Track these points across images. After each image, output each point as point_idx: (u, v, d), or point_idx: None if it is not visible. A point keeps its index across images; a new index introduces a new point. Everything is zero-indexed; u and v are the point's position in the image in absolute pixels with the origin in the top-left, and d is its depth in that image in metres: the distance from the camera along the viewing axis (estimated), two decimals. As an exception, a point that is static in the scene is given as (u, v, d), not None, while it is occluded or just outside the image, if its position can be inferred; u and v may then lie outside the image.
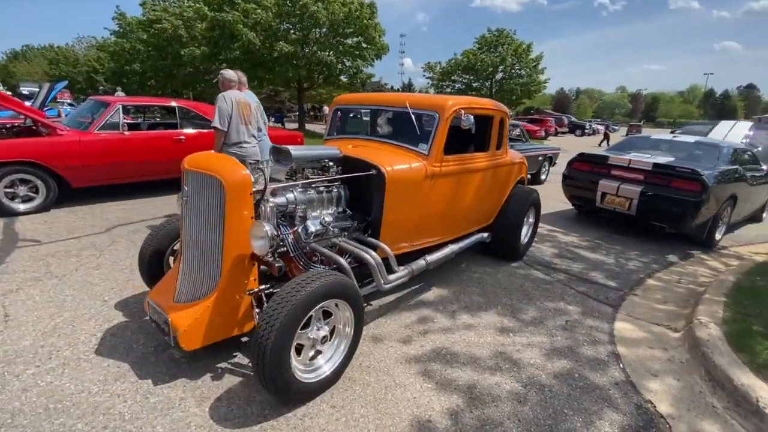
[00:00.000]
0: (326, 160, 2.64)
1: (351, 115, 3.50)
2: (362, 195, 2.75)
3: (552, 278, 3.76)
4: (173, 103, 5.99)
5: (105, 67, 24.41)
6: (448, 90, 22.34)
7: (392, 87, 63.10)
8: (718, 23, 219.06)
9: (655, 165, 4.98)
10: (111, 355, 2.23)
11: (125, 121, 5.39)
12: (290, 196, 2.41)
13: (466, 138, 3.32)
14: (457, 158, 3.00)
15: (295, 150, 2.42)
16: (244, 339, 2.36)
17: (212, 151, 3.88)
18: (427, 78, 23.04)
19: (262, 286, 2.15)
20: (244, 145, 4.06)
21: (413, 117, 2.87)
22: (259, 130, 4.38)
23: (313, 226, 2.45)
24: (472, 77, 20.97)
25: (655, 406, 2.11)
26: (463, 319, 2.88)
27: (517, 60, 20.09)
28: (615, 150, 6.15)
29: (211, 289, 2.05)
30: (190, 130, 5.90)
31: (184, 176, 2.10)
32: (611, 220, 5.85)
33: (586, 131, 27.70)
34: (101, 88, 18.49)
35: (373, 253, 2.46)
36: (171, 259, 2.71)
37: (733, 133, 7.32)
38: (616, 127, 45.49)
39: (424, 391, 2.11)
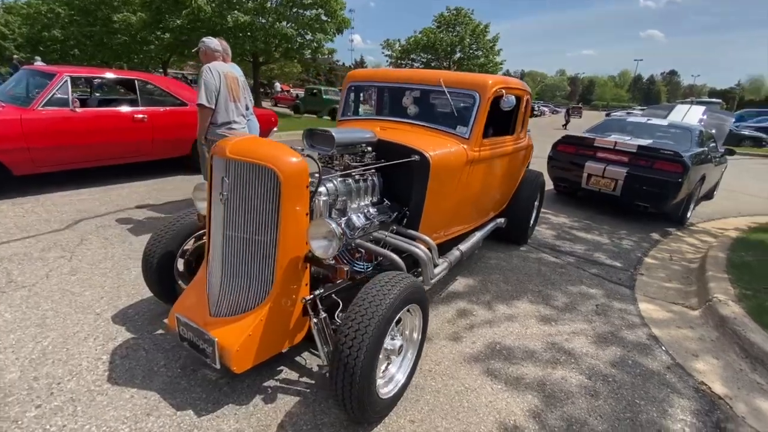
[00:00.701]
0: (363, 145, 2.36)
1: (368, 93, 3.19)
2: (397, 183, 2.50)
3: (563, 261, 3.80)
4: (132, 77, 5.20)
5: (15, 32, 21.03)
6: (408, 68, 22.04)
7: (343, 64, 61.36)
8: (644, 12, 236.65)
9: (640, 147, 5.18)
10: (130, 382, 1.85)
11: (75, 96, 4.58)
12: (331, 186, 2.12)
13: (496, 119, 3.16)
14: (491, 142, 2.84)
15: (337, 133, 2.11)
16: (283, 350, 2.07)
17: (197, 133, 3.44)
18: (386, 56, 22.53)
19: (317, 292, 1.88)
20: (234, 126, 3.59)
21: (449, 97, 2.64)
22: (246, 108, 3.91)
23: (357, 220, 2.19)
24: (431, 56, 20.78)
25: (710, 388, 2.16)
26: (501, 310, 2.79)
27: (475, 40, 20.19)
28: (594, 132, 6.35)
29: (261, 299, 1.74)
30: (152, 108, 5.18)
31: (221, 166, 1.73)
32: (592, 200, 6.06)
33: (535, 113, 28.90)
34: (15, 57, 15.87)
35: (423, 248, 2.26)
36: (180, 261, 2.32)
37: (689, 116, 7.87)
38: (559, 109, 47.99)
39: (497, 393, 1.98)
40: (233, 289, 1.77)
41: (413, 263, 2.35)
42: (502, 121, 3.25)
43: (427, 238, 2.42)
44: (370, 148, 2.36)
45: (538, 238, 4.37)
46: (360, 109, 3.23)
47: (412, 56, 21.50)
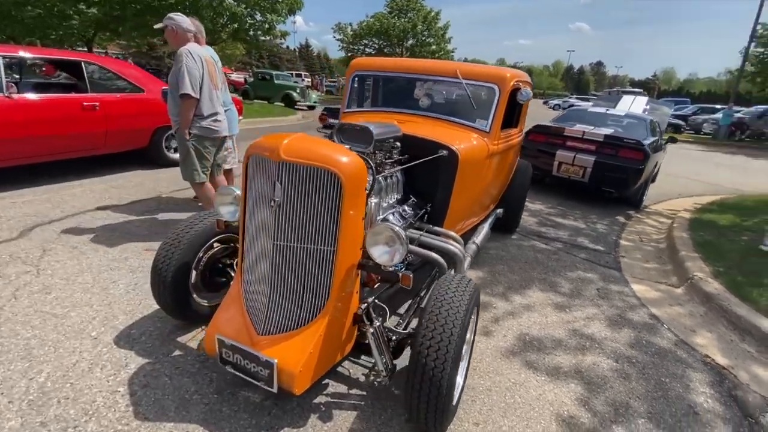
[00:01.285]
0: (391, 140, 2.24)
1: (373, 83, 3.03)
2: (420, 178, 2.43)
3: (553, 248, 3.97)
4: (79, 58, 4.52)
5: None
6: (360, 54, 21.55)
7: (287, 47, 58.88)
8: (574, 5, 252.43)
9: (606, 136, 5.53)
10: (163, 416, 1.63)
11: (8, 80, 3.90)
12: (376, 186, 1.99)
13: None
14: (505, 135, 2.84)
15: (375, 128, 1.98)
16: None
17: (173, 127, 3.13)
18: (338, 40, 21.79)
19: (370, 299, 1.77)
20: (219, 118, 3.28)
21: (467, 89, 2.59)
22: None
23: (395, 220, 2.09)
24: (384, 42, 20.51)
25: (714, 360, 2.38)
26: (517, 300, 2.85)
27: (426, 27, 20.24)
28: (560, 122, 6.67)
29: (317, 312, 1.60)
30: (104, 95, 4.57)
31: (271, 169, 1.53)
32: (561, 187, 6.40)
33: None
34: None
35: (458, 245, 2.22)
36: (193, 273, 2.07)
37: (634, 106, 8.55)
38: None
39: (542, 385, 2.03)
40: (284, 304, 1.61)
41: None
42: (507, 113, 3.27)
43: (455, 235, 2.38)
44: (398, 144, 2.25)
45: (523, 225, 4.53)
46: (370, 100, 3.07)
47: (364, 41, 21.10)
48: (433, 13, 20.09)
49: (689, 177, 8.75)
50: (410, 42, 20.45)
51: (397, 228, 1.57)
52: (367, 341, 1.65)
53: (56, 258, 2.80)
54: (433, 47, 20.81)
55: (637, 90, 31.24)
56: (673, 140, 7.68)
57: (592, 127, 6.01)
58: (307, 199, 1.52)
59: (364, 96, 2.99)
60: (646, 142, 5.48)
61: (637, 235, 4.70)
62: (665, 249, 4.22)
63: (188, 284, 2.03)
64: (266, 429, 1.62)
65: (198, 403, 1.71)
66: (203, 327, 2.20)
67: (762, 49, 16.73)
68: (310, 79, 26.57)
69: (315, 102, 17.25)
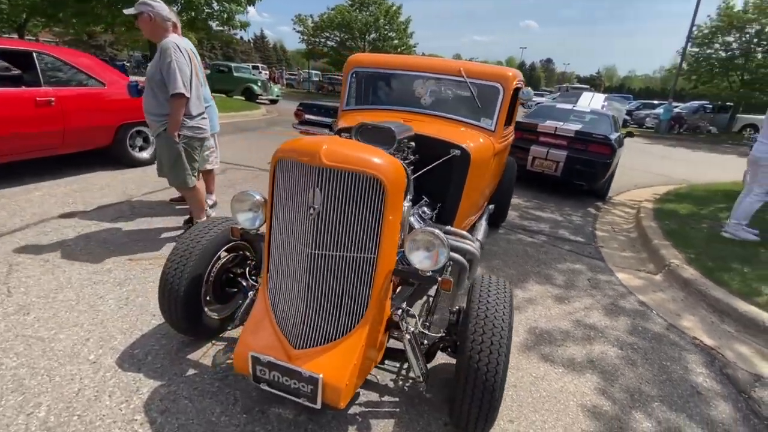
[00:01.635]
0: (406, 140, 2.20)
1: (372, 80, 2.95)
2: (431, 178, 2.41)
3: (539, 240, 4.12)
4: (30, 48, 4.04)
5: None
6: (321, 47, 21.08)
7: (241, 38, 56.60)
8: (523, 3, 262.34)
9: (576, 132, 5.81)
10: (192, 442, 1.51)
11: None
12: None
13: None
14: (506, 133, 2.89)
15: (396, 128, 1.93)
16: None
17: (155, 129, 2.89)
18: (298, 32, 21.15)
19: (403, 305, 1.74)
20: (206, 117, 3.09)
21: (472, 88, 2.60)
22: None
23: (416, 222, 2.06)
24: (347, 35, 20.17)
25: (702, 341, 2.59)
26: (519, 295, 2.93)
27: (388, 21, 20.17)
28: (532, 118, 6.91)
29: (356, 322, 1.55)
30: (61, 89, 4.13)
31: (311, 175, 1.44)
32: (533, 181, 6.63)
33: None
34: None
35: (474, 245, 2.24)
36: (203, 286, 1.93)
37: (593, 102, 9.05)
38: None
39: (562, 377, 2.10)
40: (322, 315, 1.54)
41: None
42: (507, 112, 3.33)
43: (468, 234, 2.39)
44: (413, 144, 2.22)
45: (507, 219, 4.66)
46: (369, 98, 2.98)
47: (325, 34, 20.65)
48: (394, 8, 20.06)
49: (641, 169, 9.39)
50: (372, 36, 20.32)
51: (439, 232, 1.54)
52: (397, 347, 1.62)
53: (27, 274, 2.51)
54: (396, 41, 20.82)
55: (584, 86, 33.10)
56: (630, 135, 8.19)
57: (562, 123, 6.29)
58: (348, 205, 1.45)
59: (363, 93, 2.91)
60: (612, 137, 5.81)
61: (609, 225, 4.99)
62: (637, 238, 4.51)
63: (200, 298, 1.89)
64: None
65: (227, 425, 1.60)
66: (214, 342, 2.07)
67: (697, 49, 18.29)
68: (267, 72, 25.69)
69: (278, 96, 16.71)
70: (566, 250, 3.96)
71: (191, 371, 1.86)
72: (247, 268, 2.06)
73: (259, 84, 15.89)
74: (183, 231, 3.25)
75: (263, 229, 1.74)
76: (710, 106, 20.22)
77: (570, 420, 1.82)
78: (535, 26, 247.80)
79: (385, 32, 20.38)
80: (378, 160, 1.46)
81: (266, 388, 1.53)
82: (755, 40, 16.35)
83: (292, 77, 30.30)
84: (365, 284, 1.53)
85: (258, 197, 1.77)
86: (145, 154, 5.15)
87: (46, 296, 2.30)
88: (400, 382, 1.93)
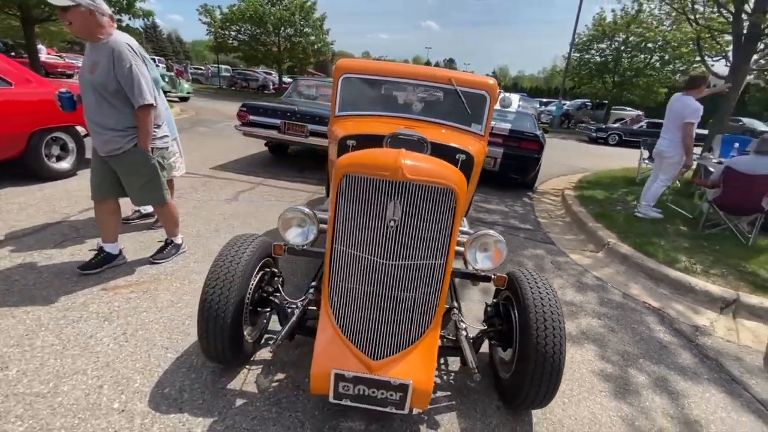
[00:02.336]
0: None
1: (362, 86, 2.94)
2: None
3: (498, 231, 4.54)
4: None
5: None
6: (231, 42, 19.61)
7: (127, 25, 50.08)
8: (423, 4, 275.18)
9: (510, 130, 6.44)
10: (278, 473, 1.45)
11: None
12: None
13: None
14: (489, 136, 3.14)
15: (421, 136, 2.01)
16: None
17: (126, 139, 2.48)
18: (204, 23, 19.35)
19: (455, 304, 1.85)
20: (166, 122, 2.83)
21: (462, 96, 2.79)
22: None
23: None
24: (260, 30, 19.07)
25: (651, 304, 3.16)
26: (505, 282, 3.24)
27: (304, 17, 19.62)
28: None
29: (427, 325, 1.62)
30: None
31: (389, 189, 1.46)
32: (473, 176, 7.17)
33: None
34: None
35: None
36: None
37: (515, 102, 10.06)
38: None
39: (568, 350, 2.41)
40: (397, 323, 1.58)
41: None
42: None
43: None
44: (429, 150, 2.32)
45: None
46: (360, 103, 2.98)
47: (235, 27, 19.32)
48: (309, 3, 19.59)
49: (549, 160, 10.68)
50: (288, 31, 19.61)
51: (498, 234, 1.69)
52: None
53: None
54: (312, 38, 20.40)
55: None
56: (545, 131, 9.29)
57: (495, 123, 6.91)
58: (424, 216, 1.52)
59: (354, 99, 2.91)
60: (539, 133, 6.58)
61: (546, 213, 5.66)
62: (572, 222, 5.22)
63: (242, 322, 1.78)
64: (390, 452, 1.59)
65: (306, 449, 1.56)
66: (248, 367, 1.95)
67: (578, 54, 21.26)
68: (164, 65, 23.18)
69: (189, 93, 15.30)
70: (522, 237, 4.42)
71: (239, 401, 1.75)
72: (278, 285, 1.98)
73: (167, 80, 14.34)
74: (158, 252, 2.92)
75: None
76: (590, 103, 23.66)
77: (589, 384, 2.12)
78: (435, 27, 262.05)
79: (301, 28, 19.84)
80: (449, 172, 1.55)
81: (348, 403, 1.53)
82: (623, 47, 19.61)
83: (199, 72, 27.81)
84: (436, 289, 1.61)
85: (308, 212, 1.73)
86: (64, 165, 4.42)
87: (19, 344, 1.92)
88: (445, 377, 2.05)
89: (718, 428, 1.96)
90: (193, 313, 2.31)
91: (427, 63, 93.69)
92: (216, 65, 27.56)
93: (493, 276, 1.81)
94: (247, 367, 1.95)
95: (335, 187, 1.56)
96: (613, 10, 19.49)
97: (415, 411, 1.79)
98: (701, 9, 6.41)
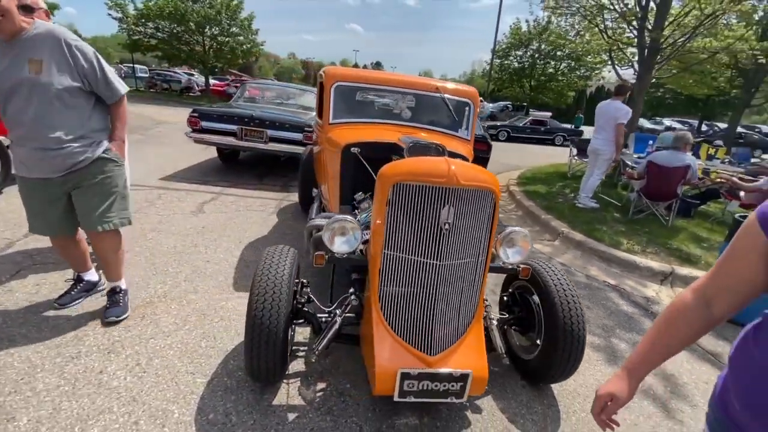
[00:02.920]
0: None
1: (353, 94, 2.96)
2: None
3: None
4: None
5: None
6: (148, 41, 17.81)
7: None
8: (346, 6, 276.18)
9: (461, 132, 6.87)
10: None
11: None
12: None
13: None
14: (467, 141, 3.37)
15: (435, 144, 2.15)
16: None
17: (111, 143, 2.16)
18: (115, 19, 17.31)
19: (485, 297, 2.02)
20: None
21: (449, 104, 2.98)
22: None
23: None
24: (182, 28, 17.60)
25: (609, 282, 3.64)
26: (490, 274, 3.51)
27: (230, 16, 18.59)
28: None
29: (472, 317, 1.77)
30: None
31: (442, 195, 1.56)
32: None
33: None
34: None
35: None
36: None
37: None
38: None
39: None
40: (448, 319, 1.70)
41: None
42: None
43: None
44: (434, 156, 2.46)
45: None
46: (353, 111, 3.01)
47: (152, 24, 17.67)
48: (235, 2, 18.63)
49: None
50: (213, 31, 18.46)
51: (523, 229, 1.89)
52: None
53: (-53, 371, 1.75)
54: (241, 38, 19.45)
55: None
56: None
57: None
58: (471, 217, 1.65)
59: (346, 107, 2.94)
60: (486, 135, 7.10)
61: (500, 208, 6.14)
62: (524, 215, 5.73)
63: (288, 337, 1.76)
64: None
65: (373, 450, 1.61)
66: (285, 381, 1.93)
67: (498, 60, 23.04)
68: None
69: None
70: (489, 232, 4.78)
71: (291, 416, 1.73)
72: (309, 295, 1.98)
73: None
74: (113, 306, 2.27)
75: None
76: (511, 105, 25.75)
77: (587, 357, 2.41)
78: (359, 29, 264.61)
79: (228, 28, 18.81)
80: (488, 176, 1.70)
81: (411, 399, 1.61)
82: (536, 55, 21.68)
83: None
84: (478, 283, 1.76)
85: (354, 221, 1.77)
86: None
87: (17, 391, 1.69)
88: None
89: (689, 377, 2.38)
90: (207, 334, 2.21)
91: (354, 66, 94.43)
92: (131, 65, 25.02)
93: (518, 268, 2.01)
94: (285, 381, 1.92)
95: (383, 196, 1.63)
96: (527, 21, 21.51)
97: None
98: (611, 25, 7.41)
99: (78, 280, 2.42)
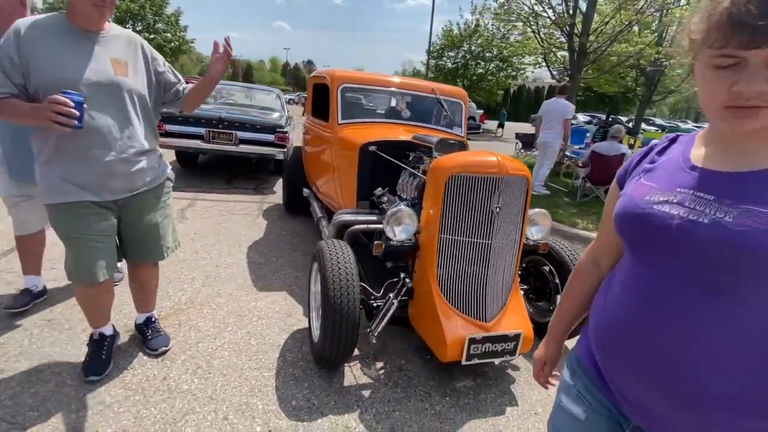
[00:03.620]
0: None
1: (357, 96, 3.08)
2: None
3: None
4: None
5: None
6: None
7: None
8: (272, 3, 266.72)
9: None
10: (443, 432, 1.69)
11: None
12: None
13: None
14: (456, 137, 3.68)
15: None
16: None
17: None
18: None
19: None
20: None
21: (444, 104, 3.26)
22: None
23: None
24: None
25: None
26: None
27: (156, 12, 17.16)
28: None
29: (512, 285, 2.06)
30: None
31: (492, 183, 1.83)
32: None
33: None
34: None
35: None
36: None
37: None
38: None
39: (554, 297, 3.13)
40: (496, 288, 1.97)
41: None
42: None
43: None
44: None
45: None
46: (357, 112, 3.15)
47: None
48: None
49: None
50: (137, 27, 16.90)
51: (543, 210, 2.22)
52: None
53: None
54: (168, 35, 18.08)
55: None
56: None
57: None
58: (513, 201, 1.94)
59: (351, 108, 3.07)
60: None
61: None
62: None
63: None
64: (505, 393, 1.98)
65: (448, 409, 1.83)
66: (346, 364, 2.07)
67: (434, 61, 24.08)
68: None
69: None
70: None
71: (366, 392, 1.89)
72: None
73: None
74: (155, 336, 2.05)
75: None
76: (447, 103, 27.03)
77: (581, 317, 2.86)
78: (287, 27, 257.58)
79: (153, 23, 17.37)
80: (522, 165, 2.00)
81: (476, 362, 1.86)
82: (468, 56, 23.01)
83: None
84: (515, 257, 2.05)
85: (411, 211, 1.96)
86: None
87: (87, 406, 1.64)
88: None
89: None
90: (252, 332, 2.26)
91: (285, 65, 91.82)
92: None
93: (539, 243, 2.34)
94: (347, 365, 2.06)
95: (440, 186, 1.85)
96: (458, 23, 22.74)
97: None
98: (545, 30, 8.29)
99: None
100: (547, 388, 1.06)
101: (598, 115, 26.18)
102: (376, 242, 1.98)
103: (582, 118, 24.49)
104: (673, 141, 0.79)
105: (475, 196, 1.86)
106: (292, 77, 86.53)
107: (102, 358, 1.83)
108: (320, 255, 1.93)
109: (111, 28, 1.68)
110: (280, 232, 3.98)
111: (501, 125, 20.96)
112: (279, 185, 5.78)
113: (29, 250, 2.28)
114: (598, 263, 0.91)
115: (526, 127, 14.99)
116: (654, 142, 0.83)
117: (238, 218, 4.23)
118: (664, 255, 0.66)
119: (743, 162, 0.62)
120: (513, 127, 18.86)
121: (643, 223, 0.68)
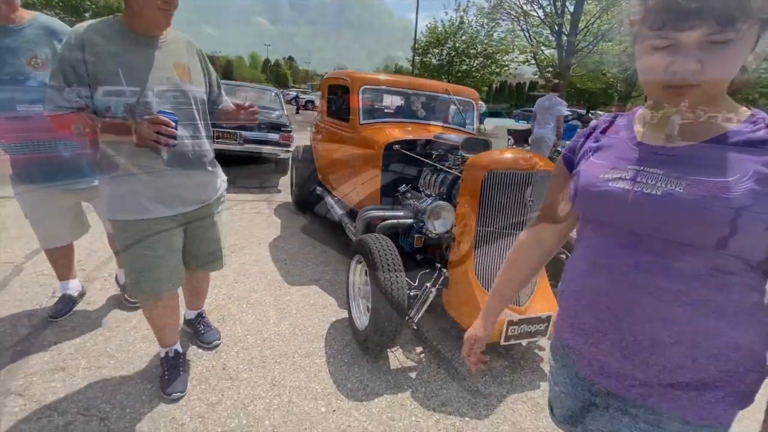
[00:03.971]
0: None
1: (376, 97, 3.20)
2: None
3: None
4: None
5: None
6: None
7: None
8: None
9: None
10: (486, 413, 1.86)
11: None
12: None
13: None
14: (466, 134, 3.85)
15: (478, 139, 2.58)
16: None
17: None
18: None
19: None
20: None
21: (457, 103, 3.42)
22: None
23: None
24: (73, 19, 15.40)
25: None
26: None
27: (117, 9, 16.63)
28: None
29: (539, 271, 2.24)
30: None
31: (524, 178, 2.00)
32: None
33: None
34: None
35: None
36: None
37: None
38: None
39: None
40: (527, 277, 2.14)
41: None
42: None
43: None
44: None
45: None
46: (377, 113, 3.27)
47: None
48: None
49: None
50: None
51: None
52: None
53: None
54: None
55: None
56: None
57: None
58: (543, 194, 2.10)
59: (371, 108, 3.19)
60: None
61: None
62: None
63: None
64: (536, 371, 2.16)
65: (490, 386, 2.00)
66: (389, 350, 2.21)
67: (419, 57, 24.26)
68: None
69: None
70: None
71: (413, 374, 2.04)
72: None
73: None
74: (207, 330, 2.15)
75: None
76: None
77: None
78: (266, 23, 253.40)
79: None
80: (547, 160, 2.17)
81: (513, 342, 2.03)
82: (453, 53, 23.27)
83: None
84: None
85: (449, 206, 2.11)
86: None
87: (159, 397, 1.74)
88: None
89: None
90: (295, 324, 2.38)
91: (266, 61, 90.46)
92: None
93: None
94: (389, 351, 2.21)
95: (478, 182, 2.01)
96: (442, 21, 22.97)
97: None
98: (534, 30, 8.56)
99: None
100: (476, 371, 1.04)
101: (578, 110, 26.94)
102: (416, 235, 2.13)
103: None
104: (612, 121, 0.84)
105: (510, 190, 2.03)
106: (273, 74, 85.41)
107: (181, 374, 1.81)
108: (367, 248, 2.07)
109: (168, 31, 1.58)
110: (295, 229, 4.07)
111: (481, 122, 21.27)
112: (282, 183, 5.86)
113: (60, 258, 2.26)
114: (541, 242, 0.95)
115: (511, 122, 15.35)
116: (594, 122, 0.90)
117: (251, 217, 4.30)
118: (620, 226, 0.72)
119: (683, 137, 0.68)
120: (496, 124, 19.23)
121: (601, 200, 0.73)
